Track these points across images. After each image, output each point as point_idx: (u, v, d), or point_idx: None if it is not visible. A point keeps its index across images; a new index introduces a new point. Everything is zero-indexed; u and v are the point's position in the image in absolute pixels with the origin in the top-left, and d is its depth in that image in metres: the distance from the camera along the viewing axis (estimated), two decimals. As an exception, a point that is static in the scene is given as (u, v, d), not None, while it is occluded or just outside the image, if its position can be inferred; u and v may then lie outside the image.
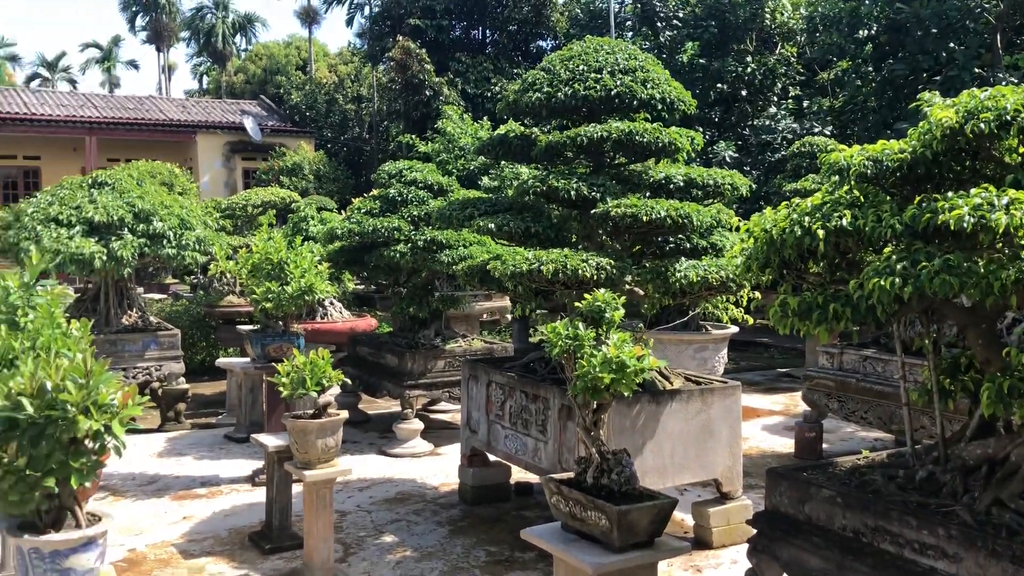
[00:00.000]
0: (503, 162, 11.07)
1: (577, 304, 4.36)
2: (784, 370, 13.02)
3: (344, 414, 5.50)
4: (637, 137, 6.02)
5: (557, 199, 6.11)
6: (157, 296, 17.69)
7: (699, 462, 6.01)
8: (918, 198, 3.78)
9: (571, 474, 4.28)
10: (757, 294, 8.49)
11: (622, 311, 4.28)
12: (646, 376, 4.06)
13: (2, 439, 3.37)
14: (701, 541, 6.17)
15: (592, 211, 5.98)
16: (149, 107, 28.31)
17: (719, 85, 18.37)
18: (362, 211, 9.00)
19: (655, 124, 6.26)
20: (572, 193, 5.88)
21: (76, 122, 25.54)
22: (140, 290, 19.04)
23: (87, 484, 3.47)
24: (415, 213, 8.72)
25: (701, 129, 18.80)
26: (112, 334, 9.43)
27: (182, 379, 9.75)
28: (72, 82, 47.81)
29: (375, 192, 9.56)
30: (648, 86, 6.31)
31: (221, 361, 9.42)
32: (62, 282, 15.85)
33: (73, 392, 3.35)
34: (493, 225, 6.05)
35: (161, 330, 9.80)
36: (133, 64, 50.68)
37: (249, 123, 27.23)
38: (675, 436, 5.89)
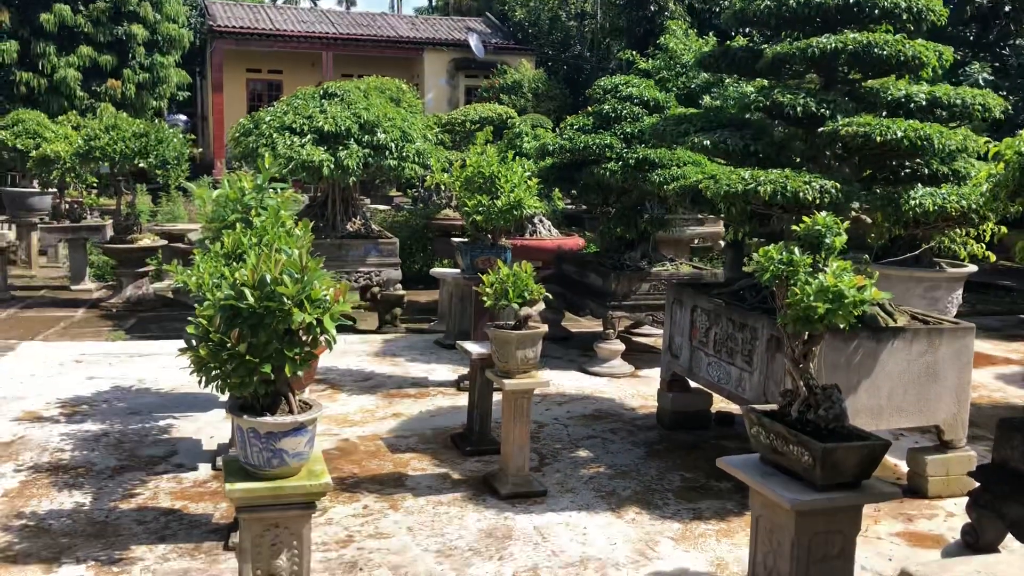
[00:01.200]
0: (727, 80, 10.53)
1: (795, 228, 4.07)
2: (1028, 317, 11.82)
3: (544, 327, 5.52)
4: (876, 50, 5.48)
5: (781, 115, 5.71)
6: (381, 207, 18.58)
7: (919, 406, 5.56)
8: None
9: (775, 406, 4.07)
10: (1003, 228, 7.67)
11: (844, 236, 3.95)
12: (866, 309, 3.75)
13: (227, 326, 3.61)
14: (915, 490, 5.76)
15: (820, 130, 5.56)
16: (381, 24, 29.35)
17: (978, -1, 16.51)
18: (574, 127, 8.88)
19: (898, 36, 5.68)
20: (799, 109, 5.46)
21: (314, 38, 26.96)
22: (367, 201, 20.13)
23: (300, 373, 3.67)
24: (628, 130, 8.50)
25: (953, 48, 17.04)
26: (337, 239, 9.97)
27: (399, 285, 10.20)
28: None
29: (590, 108, 9.40)
30: (893, -8, 5.70)
31: (435, 271, 9.76)
32: (297, 189, 16.95)
33: (289, 285, 3.52)
34: (709, 142, 5.76)
35: (382, 238, 10.25)
36: (368, -18, 52.57)
37: (473, 40, 27.61)
38: (894, 376, 5.47)
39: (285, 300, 3.54)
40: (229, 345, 3.61)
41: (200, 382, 3.73)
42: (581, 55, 28.04)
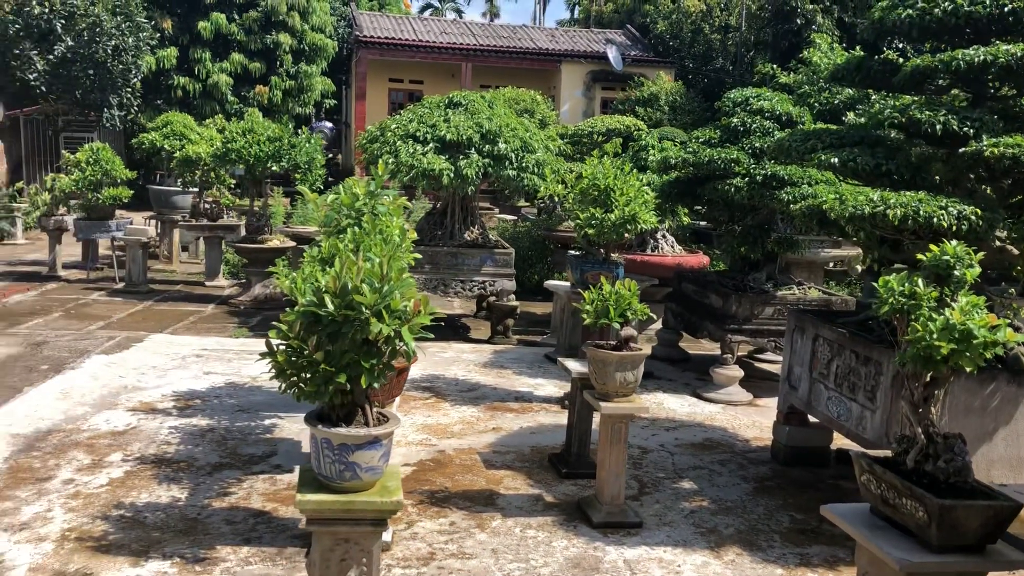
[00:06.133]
0: (873, 96, 9.95)
1: (921, 257, 3.67)
2: None
3: (646, 350, 5.25)
4: (1031, 63, 4.95)
5: (919, 134, 5.25)
6: (509, 217, 18.60)
7: (1067, 462, 4.97)
8: None
9: (889, 452, 3.67)
10: None
11: (977, 269, 3.53)
12: (997, 351, 3.32)
13: (307, 333, 3.54)
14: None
15: (961, 150, 5.07)
16: (520, 36, 29.52)
17: None
18: (700, 141, 8.53)
19: (1059, 48, 5.12)
20: (938, 127, 5.00)
21: (454, 49, 27.36)
22: (496, 211, 20.19)
23: (376, 385, 3.56)
24: (757, 145, 8.09)
25: None
26: (454, 247, 9.96)
27: (512, 296, 10.09)
28: (458, 11, 51.37)
29: (721, 121, 9.02)
30: (1056, 0, 5.15)
31: (548, 283, 9.59)
32: (428, 197, 17.14)
33: (367, 294, 3.42)
34: (836, 160, 5.35)
35: (498, 248, 10.17)
36: (513, -6, 53.17)
37: (612, 52, 27.37)
38: (1038, 426, 4.92)
39: (363, 309, 3.44)
40: (306, 352, 3.55)
41: (279, 388, 3.69)
42: (723, 68, 27.36)
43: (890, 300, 3.49)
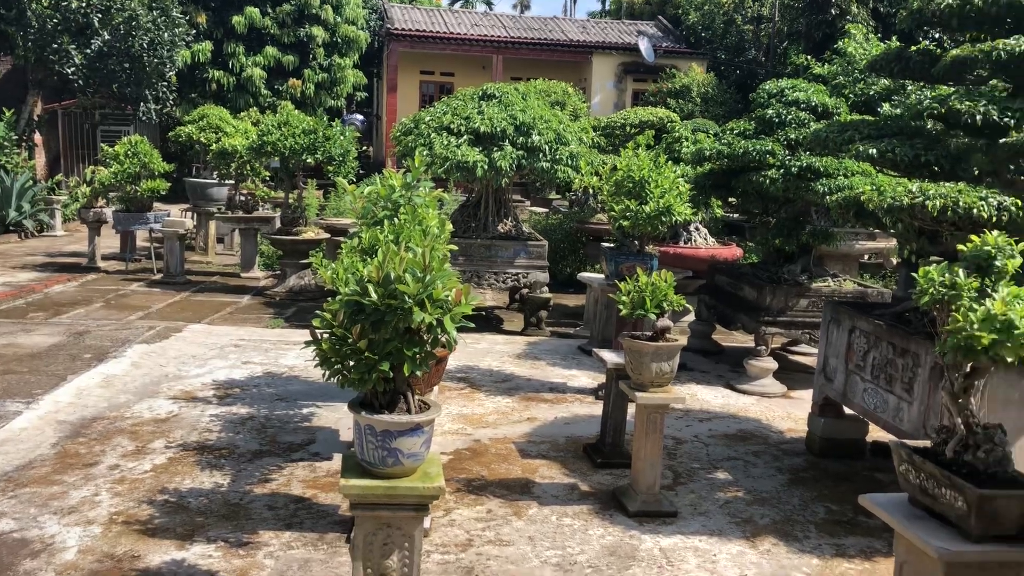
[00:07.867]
0: (909, 87, 9.87)
1: (961, 247, 3.67)
2: None
3: (682, 341, 5.28)
4: (1075, 52, 4.91)
5: (959, 124, 5.22)
6: (539, 209, 18.64)
7: (1108, 455, 4.93)
8: None
9: (927, 443, 3.68)
10: None
11: (1018, 259, 3.52)
12: (1041, 342, 3.31)
13: (350, 321, 3.61)
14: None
15: (1002, 141, 5.04)
16: (552, 28, 29.49)
17: None
18: (734, 132, 8.51)
19: (1103, 37, 5.06)
20: (978, 118, 4.96)
21: (485, 41, 27.40)
22: (526, 203, 20.26)
23: (419, 373, 3.62)
24: (792, 137, 8.06)
25: None
26: (488, 239, 10.01)
27: (546, 288, 10.13)
28: (488, 3, 51.28)
29: (754, 113, 8.99)
30: (1099, -11, 5.10)
31: (582, 275, 9.61)
32: (460, 189, 17.23)
33: (411, 284, 3.48)
34: (875, 150, 5.33)
35: (531, 240, 10.21)
36: (543, -14, 52.90)
37: (643, 43, 27.28)
38: (1079, 419, 4.88)
39: (406, 299, 3.51)
40: (350, 340, 3.62)
41: (323, 375, 3.76)
42: (755, 60, 27.16)
43: (931, 290, 3.49)
